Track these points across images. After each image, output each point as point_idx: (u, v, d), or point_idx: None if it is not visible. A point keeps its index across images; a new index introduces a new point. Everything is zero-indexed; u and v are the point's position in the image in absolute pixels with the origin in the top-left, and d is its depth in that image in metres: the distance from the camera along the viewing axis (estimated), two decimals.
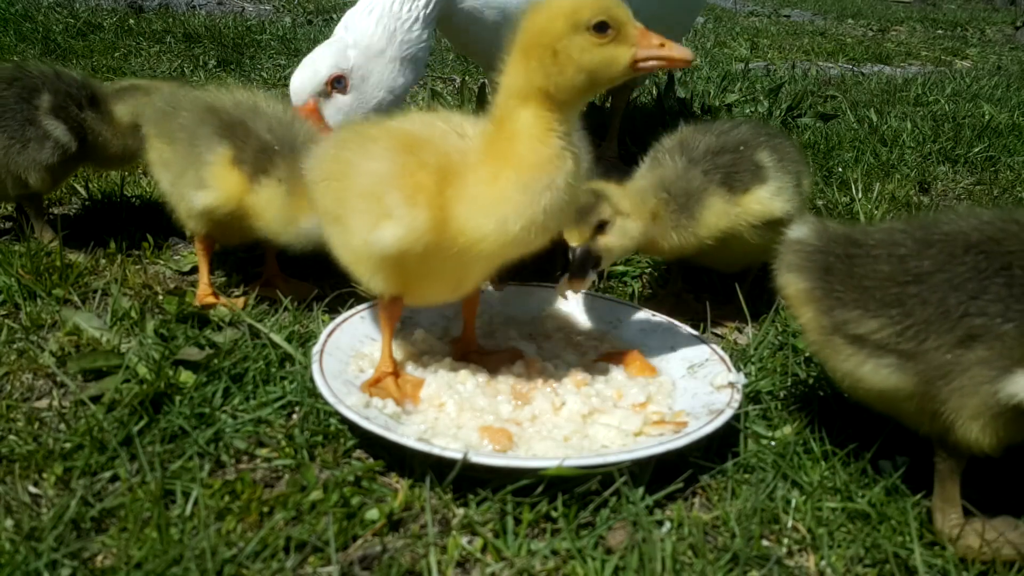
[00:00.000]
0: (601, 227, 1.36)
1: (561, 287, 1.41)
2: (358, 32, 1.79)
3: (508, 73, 1.13)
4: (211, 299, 1.55)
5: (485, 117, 1.20)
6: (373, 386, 1.26)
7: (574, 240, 1.34)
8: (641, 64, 1.11)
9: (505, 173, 1.12)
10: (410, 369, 1.34)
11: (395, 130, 1.22)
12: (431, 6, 1.84)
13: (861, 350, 1.06)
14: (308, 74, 1.75)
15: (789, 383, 1.39)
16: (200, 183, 1.46)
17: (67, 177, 1.89)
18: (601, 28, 1.08)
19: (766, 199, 1.49)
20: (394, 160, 1.16)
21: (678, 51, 1.11)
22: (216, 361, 1.32)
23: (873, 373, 1.05)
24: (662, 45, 1.10)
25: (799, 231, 1.16)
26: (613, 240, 1.37)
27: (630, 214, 1.39)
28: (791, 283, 1.13)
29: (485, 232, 1.12)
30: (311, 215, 1.42)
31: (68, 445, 1.14)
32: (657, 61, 1.11)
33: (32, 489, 1.07)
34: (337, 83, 1.77)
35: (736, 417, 1.22)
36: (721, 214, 1.47)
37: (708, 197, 1.46)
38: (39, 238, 1.76)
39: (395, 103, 1.89)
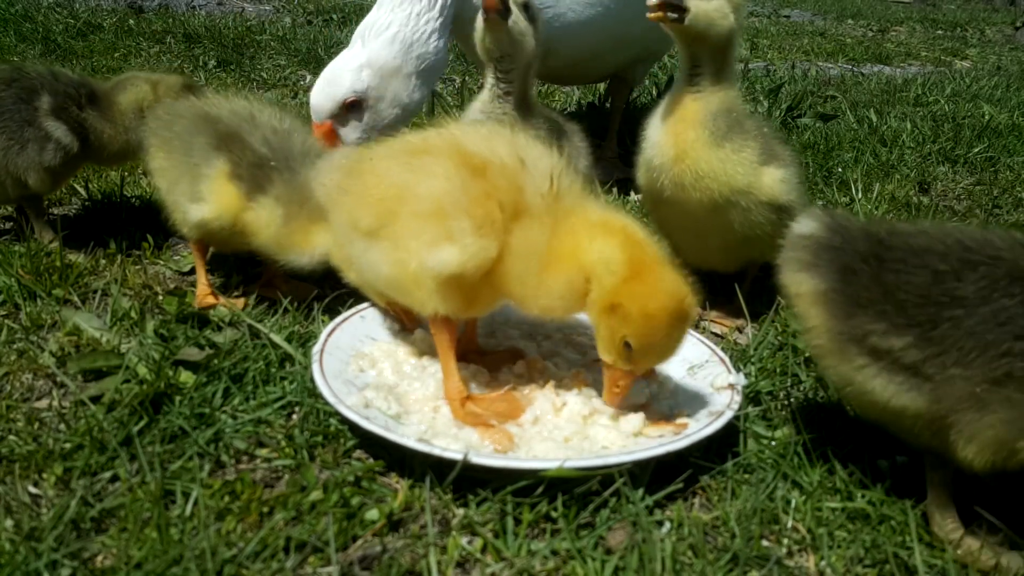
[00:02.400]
0: None
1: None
2: (374, 51, 1.79)
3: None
4: (211, 299, 1.55)
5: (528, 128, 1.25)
6: (468, 420, 1.20)
7: None
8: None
9: (546, 272, 1.15)
10: (409, 369, 1.34)
11: (452, 145, 1.20)
12: (445, 14, 1.84)
13: (876, 363, 0.99)
14: (325, 98, 1.77)
15: (789, 383, 1.39)
16: (196, 196, 1.45)
17: (68, 178, 1.89)
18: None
19: (778, 178, 1.51)
20: (460, 181, 1.14)
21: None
22: (216, 361, 1.32)
23: (883, 389, 1.00)
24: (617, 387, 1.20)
25: (808, 225, 1.07)
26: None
27: None
28: (802, 282, 1.04)
29: (518, 294, 1.18)
30: (312, 240, 1.42)
31: (68, 445, 1.14)
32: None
33: (32, 489, 1.07)
34: (353, 107, 1.78)
35: (736, 417, 1.22)
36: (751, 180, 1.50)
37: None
38: (39, 239, 1.76)
39: (408, 118, 1.89)
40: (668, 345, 1.16)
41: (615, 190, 2.36)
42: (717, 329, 1.61)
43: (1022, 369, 0.93)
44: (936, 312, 0.96)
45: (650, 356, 1.17)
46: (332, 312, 1.47)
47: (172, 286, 1.66)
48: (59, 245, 1.66)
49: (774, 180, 1.51)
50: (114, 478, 1.10)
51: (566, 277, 1.14)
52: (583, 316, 1.53)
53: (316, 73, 3.68)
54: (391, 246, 1.20)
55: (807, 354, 1.46)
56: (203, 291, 1.57)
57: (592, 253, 1.13)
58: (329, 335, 1.34)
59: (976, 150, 2.96)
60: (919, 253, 1.00)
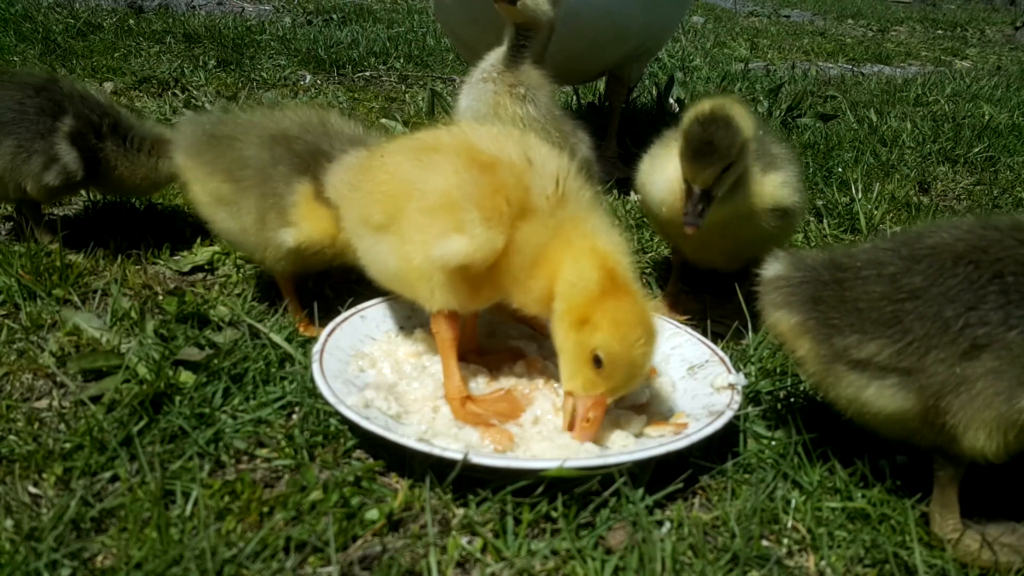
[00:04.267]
0: (727, 168, 1.36)
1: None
2: None
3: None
4: (313, 330, 1.45)
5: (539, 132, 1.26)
6: (468, 420, 1.21)
7: (700, 184, 1.35)
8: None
9: (545, 271, 1.16)
10: (409, 369, 1.34)
11: (462, 143, 1.22)
12: None
13: (863, 374, 1.05)
14: None
15: (789, 383, 1.39)
16: (285, 222, 1.39)
17: (67, 196, 1.89)
18: None
19: (778, 184, 1.51)
20: (470, 176, 1.16)
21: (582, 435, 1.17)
22: (216, 361, 1.32)
23: (877, 396, 1.04)
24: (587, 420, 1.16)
25: (774, 268, 1.15)
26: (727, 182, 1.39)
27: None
28: (782, 320, 1.11)
29: (513, 286, 1.19)
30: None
31: (68, 445, 1.14)
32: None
33: (32, 489, 1.07)
34: None
35: (736, 417, 1.22)
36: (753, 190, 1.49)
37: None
38: (39, 240, 1.76)
39: None
40: (637, 361, 1.14)
41: (615, 190, 2.36)
42: (717, 329, 1.61)
43: (985, 336, 0.98)
44: (896, 309, 1.03)
45: (619, 373, 1.13)
46: (332, 312, 1.47)
47: (172, 286, 1.66)
48: (59, 245, 1.66)
49: (775, 186, 1.50)
50: (114, 478, 1.10)
51: (545, 283, 1.16)
52: None
53: (316, 73, 3.69)
54: (399, 240, 1.21)
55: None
56: (301, 321, 1.49)
57: (567, 274, 1.15)
58: (329, 335, 1.34)
59: (976, 150, 2.96)
60: (870, 264, 1.08)
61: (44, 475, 1.10)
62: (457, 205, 1.15)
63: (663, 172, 1.50)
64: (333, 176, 1.36)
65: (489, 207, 1.13)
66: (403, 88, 3.55)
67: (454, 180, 1.17)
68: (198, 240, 1.81)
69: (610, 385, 1.14)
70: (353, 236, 1.33)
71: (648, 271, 1.85)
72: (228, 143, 1.44)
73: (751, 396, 1.34)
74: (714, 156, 1.32)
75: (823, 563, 1.04)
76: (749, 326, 1.57)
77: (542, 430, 1.20)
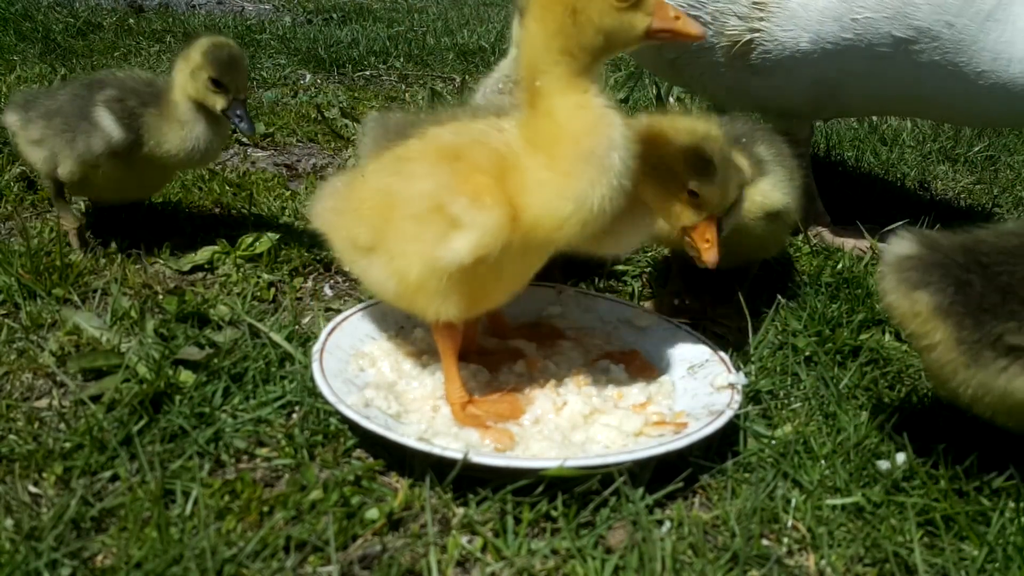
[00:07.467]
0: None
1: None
2: None
3: (527, 48, 1.13)
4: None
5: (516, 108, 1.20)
6: (469, 423, 1.20)
7: (722, 209, 1.31)
8: (655, 34, 1.10)
9: (561, 149, 1.10)
10: (409, 368, 1.34)
11: (429, 145, 1.21)
12: None
13: (1017, 361, 1.03)
14: None
15: (789, 383, 1.39)
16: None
17: (97, 193, 1.81)
18: None
19: (767, 190, 1.50)
20: (442, 169, 1.14)
21: (692, 27, 1.10)
22: (216, 361, 1.32)
23: None
24: (677, 18, 1.10)
25: (905, 246, 1.10)
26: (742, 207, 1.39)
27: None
28: (918, 301, 1.06)
29: (565, 215, 1.10)
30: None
31: (68, 445, 1.14)
32: (671, 33, 1.11)
33: (32, 489, 1.07)
34: None
35: (736, 417, 1.22)
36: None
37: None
38: (62, 223, 1.75)
39: None
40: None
41: None
42: (717, 329, 1.61)
43: None
44: None
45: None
46: (332, 312, 1.47)
47: (172, 286, 1.66)
48: (59, 245, 1.66)
49: (764, 193, 1.49)
50: (114, 478, 1.10)
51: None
52: (583, 317, 1.54)
53: (316, 72, 3.68)
54: (388, 257, 1.19)
55: (807, 353, 1.46)
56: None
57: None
58: (329, 334, 1.34)
59: (976, 149, 2.95)
60: (1013, 252, 1.06)
61: (44, 475, 1.10)
62: (442, 203, 1.11)
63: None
64: (318, 204, 1.34)
65: (471, 188, 1.10)
66: (403, 87, 3.55)
67: (431, 182, 1.14)
68: (198, 240, 1.81)
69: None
70: (346, 262, 1.31)
71: (649, 271, 1.84)
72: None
73: (751, 396, 1.34)
74: (736, 176, 1.30)
75: (823, 562, 1.04)
76: (749, 326, 1.57)
77: (542, 430, 1.20)
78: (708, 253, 1.25)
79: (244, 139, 2.57)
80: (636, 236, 1.31)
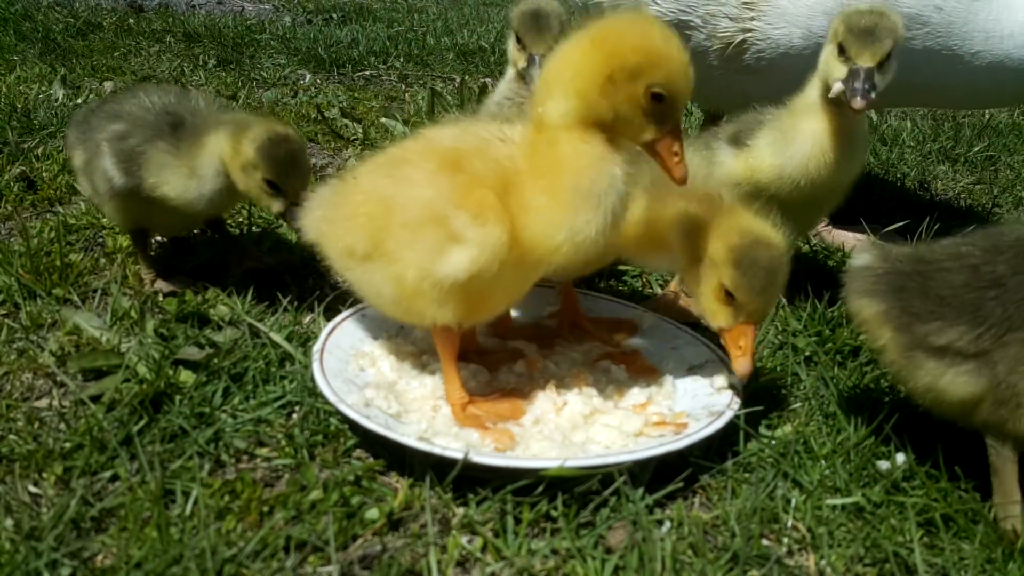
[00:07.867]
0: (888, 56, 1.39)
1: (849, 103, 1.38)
2: None
3: (556, 67, 1.10)
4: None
5: (521, 120, 1.18)
6: (469, 424, 1.19)
7: (868, 61, 1.37)
8: (651, 150, 1.11)
9: (562, 180, 1.08)
10: (409, 368, 1.34)
11: (427, 149, 1.18)
12: None
13: (941, 360, 1.08)
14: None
15: (789, 383, 1.39)
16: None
17: (137, 225, 1.60)
18: (658, 98, 1.05)
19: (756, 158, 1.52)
20: (442, 178, 1.12)
21: (678, 170, 1.11)
22: (216, 361, 1.32)
23: (952, 383, 1.07)
24: (676, 155, 1.10)
25: (863, 258, 1.18)
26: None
27: None
28: (865, 307, 1.14)
29: (557, 243, 1.09)
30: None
31: (68, 445, 1.14)
32: (660, 160, 1.11)
33: (32, 489, 1.07)
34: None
35: (736, 417, 1.22)
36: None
37: None
38: (141, 274, 1.62)
39: None
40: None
41: None
42: None
43: None
44: (979, 295, 1.07)
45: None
46: (332, 311, 1.47)
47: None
48: (59, 245, 1.66)
49: (749, 161, 1.51)
50: (114, 478, 1.10)
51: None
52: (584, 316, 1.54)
53: (316, 72, 3.68)
54: (385, 263, 1.16)
55: (807, 353, 1.47)
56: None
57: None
58: (329, 334, 1.34)
59: (976, 149, 2.95)
60: (953, 257, 1.12)
61: (44, 474, 1.10)
62: (441, 214, 1.10)
63: (795, 145, 1.47)
64: (308, 216, 1.31)
65: (474, 203, 1.09)
66: (403, 87, 3.55)
67: (431, 190, 1.12)
68: (198, 239, 1.81)
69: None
70: (343, 272, 1.28)
71: (648, 271, 1.84)
72: None
73: (751, 395, 1.34)
74: (883, 33, 1.36)
75: (823, 562, 1.04)
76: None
77: (542, 430, 1.20)
78: (738, 362, 1.20)
79: None
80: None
